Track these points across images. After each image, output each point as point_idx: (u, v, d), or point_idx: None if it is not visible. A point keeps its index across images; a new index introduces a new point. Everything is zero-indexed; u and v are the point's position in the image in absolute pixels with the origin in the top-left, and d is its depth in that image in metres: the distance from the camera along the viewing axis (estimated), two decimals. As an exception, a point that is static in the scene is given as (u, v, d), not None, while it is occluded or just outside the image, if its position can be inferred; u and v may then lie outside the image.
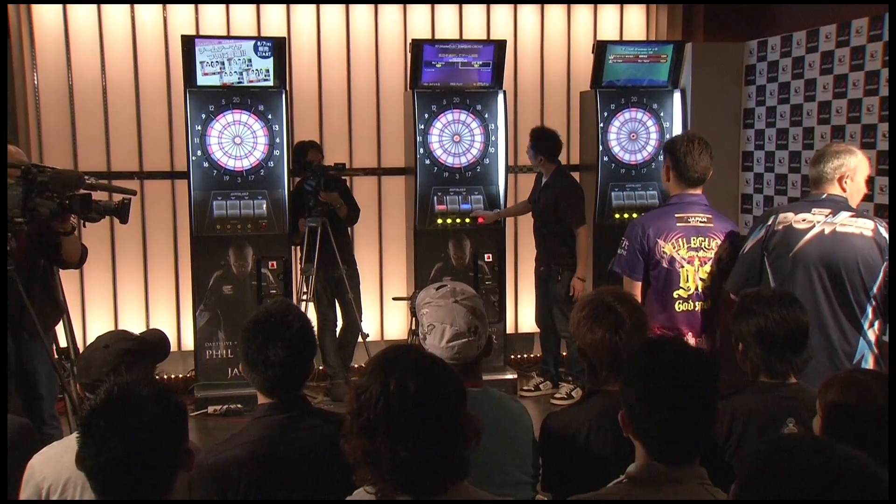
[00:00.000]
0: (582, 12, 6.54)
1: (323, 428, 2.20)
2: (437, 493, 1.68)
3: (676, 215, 3.53)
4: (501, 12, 6.42)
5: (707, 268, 3.52)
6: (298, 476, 2.17)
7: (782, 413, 2.46)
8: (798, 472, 1.39)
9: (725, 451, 2.44)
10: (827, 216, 3.34)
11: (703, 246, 3.52)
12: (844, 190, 3.39)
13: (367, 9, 6.21)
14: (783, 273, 3.36)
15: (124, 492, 1.68)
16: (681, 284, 3.50)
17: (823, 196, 3.40)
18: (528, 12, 6.46)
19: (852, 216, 3.34)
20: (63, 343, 3.85)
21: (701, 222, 3.54)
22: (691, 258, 3.50)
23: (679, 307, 3.51)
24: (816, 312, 3.28)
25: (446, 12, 6.35)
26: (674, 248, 3.48)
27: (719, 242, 3.53)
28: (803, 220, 3.36)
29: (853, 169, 3.39)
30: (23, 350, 3.63)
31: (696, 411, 1.85)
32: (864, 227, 3.31)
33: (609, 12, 6.59)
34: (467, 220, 5.83)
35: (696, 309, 3.54)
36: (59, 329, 3.88)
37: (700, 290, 3.53)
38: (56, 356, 3.70)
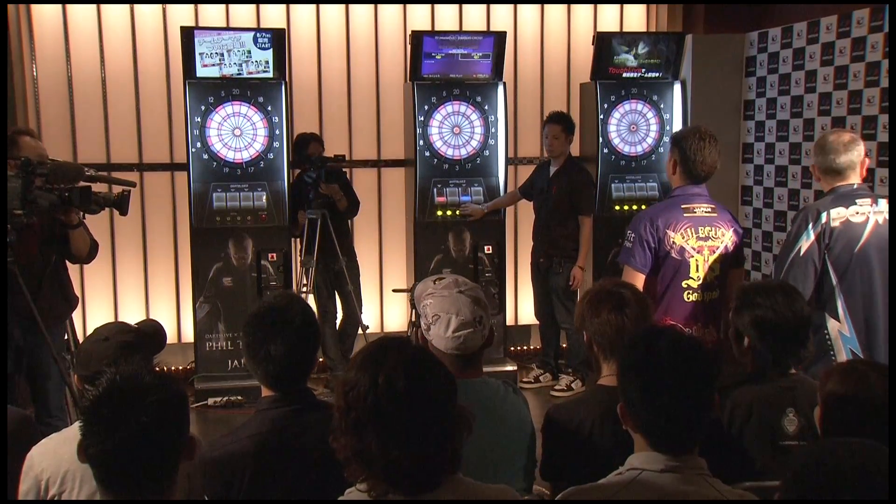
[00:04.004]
0: (582, 8, 6.53)
1: (326, 421, 2.19)
2: (430, 488, 1.67)
3: (682, 206, 3.52)
4: (501, 9, 6.41)
5: (716, 256, 3.51)
6: (302, 469, 2.16)
7: (783, 403, 2.47)
8: (842, 473, 1.43)
9: (728, 442, 2.45)
10: (871, 205, 3.35)
11: (710, 235, 3.51)
12: (863, 176, 3.40)
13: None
14: (850, 270, 3.34)
15: (127, 480, 1.69)
16: (690, 274, 3.48)
17: (854, 186, 3.40)
18: (529, 8, 6.45)
19: (888, 202, 3.37)
20: (64, 335, 3.87)
21: (706, 212, 3.53)
22: (700, 248, 3.49)
23: (688, 297, 3.50)
24: (887, 305, 3.31)
25: (446, 7, 6.33)
26: (683, 238, 3.47)
27: (724, 232, 3.53)
28: (857, 213, 3.34)
29: (865, 154, 3.41)
30: (31, 342, 3.63)
31: (693, 400, 1.86)
32: None
33: (609, 5, 6.58)
34: (458, 213, 5.84)
35: (705, 299, 3.52)
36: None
37: (709, 280, 3.51)
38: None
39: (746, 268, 5.87)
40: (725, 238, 3.52)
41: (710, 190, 3.65)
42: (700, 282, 3.50)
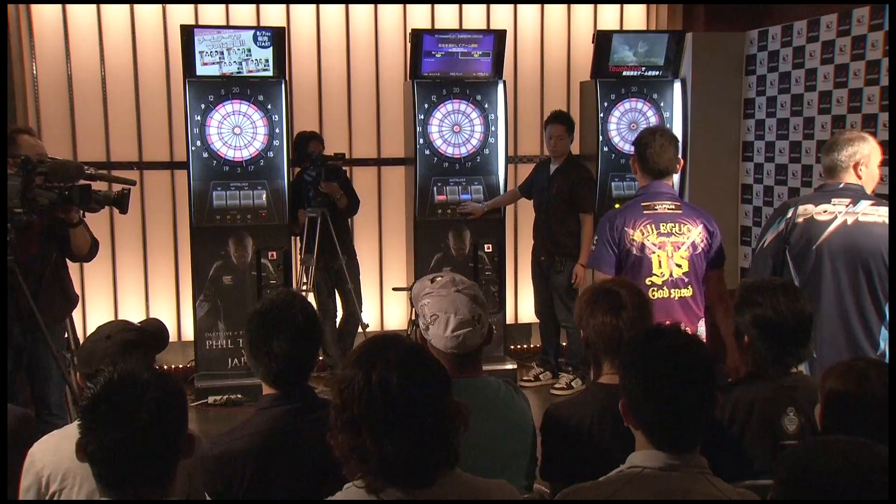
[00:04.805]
0: (582, 7, 6.52)
1: (327, 419, 2.19)
2: (427, 484, 1.67)
3: (643, 204, 3.52)
4: (501, 8, 6.40)
5: (682, 252, 3.46)
6: (303, 468, 2.16)
7: (783, 402, 2.47)
8: (833, 472, 1.43)
9: (728, 441, 2.45)
10: (847, 206, 3.32)
11: (674, 231, 3.46)
12: (860, 177, 3.37)
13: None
14: (806, 267, 3.33)
15: (126, 478, 1.69)
16: (653, 271, 3.45)
17: (841, 185, 3.38)
18: (529, 7, 6.44)
19: (873, 204, 3.32)
20: (65, 333, 3.87)
21: (668, 209, 3.50)
22: (662, 244, 3.45)
23: (653, 294, 3.43)
24: (841, 305, 3.28)
25: (446, 7, 6.32)
26: (643, 234, 3.45)
27: (691, 228, 3.49)
28: (824, 212, 3.32)
29: (867, 156, 3.37)
30: (31, 340, 3.63)
31: (694, 398, 1.86)
32: (886, 215, 3.29)
33: (609, 4, 6.58)
34: (458, 212, 5.83)
35: (673, 297, 3.47)
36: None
37: (675, 276, 3.46)
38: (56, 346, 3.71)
39: (745, 266, 5.87)
40: (692, 234, 3.48)
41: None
42: (665, 278, 3.46)
